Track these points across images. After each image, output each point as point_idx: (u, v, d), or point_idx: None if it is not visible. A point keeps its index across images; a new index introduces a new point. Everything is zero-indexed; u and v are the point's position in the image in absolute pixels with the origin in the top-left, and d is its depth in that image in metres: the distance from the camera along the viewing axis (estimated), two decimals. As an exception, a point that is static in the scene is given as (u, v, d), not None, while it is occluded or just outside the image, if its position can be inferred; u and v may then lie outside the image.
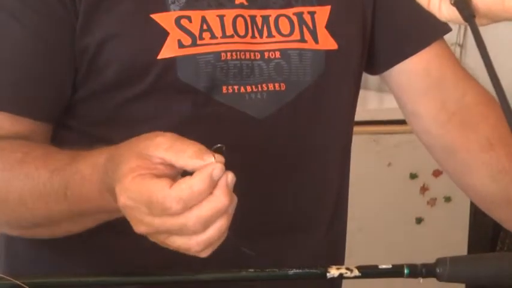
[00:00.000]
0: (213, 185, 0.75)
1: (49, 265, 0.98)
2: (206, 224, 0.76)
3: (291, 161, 1.01)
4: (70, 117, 1.01)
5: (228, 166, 0.96)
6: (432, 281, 0.89)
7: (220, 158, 0.76)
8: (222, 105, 0.97)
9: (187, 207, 0.75)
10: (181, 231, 0.76)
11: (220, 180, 0.76)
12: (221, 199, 0.75)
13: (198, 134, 0.96)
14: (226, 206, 0.76)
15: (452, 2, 0.76)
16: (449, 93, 1.10)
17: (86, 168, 0.86)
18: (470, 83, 1.11)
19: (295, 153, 1.01)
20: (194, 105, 0.97)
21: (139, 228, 0.78)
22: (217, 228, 0.76)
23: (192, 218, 0.75)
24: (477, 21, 0.75)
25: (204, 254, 0.78)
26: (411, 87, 1.10)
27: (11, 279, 0.81)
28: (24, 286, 0.82)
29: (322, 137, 1.03)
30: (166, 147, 0.78)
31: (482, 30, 0.77)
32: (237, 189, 0.96)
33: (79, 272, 0.91)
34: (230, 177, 0.77)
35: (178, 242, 0.77)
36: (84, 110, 1.00)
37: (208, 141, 0.96)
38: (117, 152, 0.82)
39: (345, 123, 1.08)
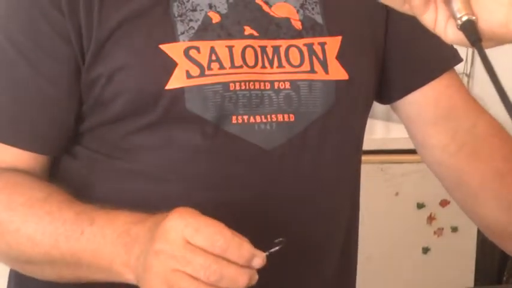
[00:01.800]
0: (248, 264, 0.81)
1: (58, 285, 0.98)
2: (219, 280, 0.79)
3: (300, 192, 1.01)
4: (75, 146, 1.01)
5: (236, 197, 0.97)
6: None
7: (265, 260, 0.82)
8: (231, 136, 0.97)
9: (224, 254, 0.79)
10: (197, 270, 0.79)
11: (252, 269, 0.81)
12: (243, 279, 0.80)
13: (207, 164, 0.97)
14: (240, 285, 0.80)
15: (458, 26, 0.76)
16: (459, 123, 1.09)
17: (120, 215, 0.89)
18: (481, 113, 1.11)
19: (304, 184, 1.01)
20: (203, 136, 0.97)
21: (162, 247, 0.80)
22: None
23: (219, 264, 0.79)
24: (483, 44, 0.76)
25: None
26: (421, 117, 1.10)
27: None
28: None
29: (331, 168, 1.03)
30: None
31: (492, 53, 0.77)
32: (246, 220, 0.96)
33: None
34: (256, 278, 0.81)
35: (183, 281, 0.79)
36: (90, 140, 1.00)
37: (216, 171, 0.97)
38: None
39: (353, 153, 1.08)
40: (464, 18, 0.75)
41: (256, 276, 0.81)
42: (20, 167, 0.98)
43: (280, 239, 0.83)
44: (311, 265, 1.04)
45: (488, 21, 0.76)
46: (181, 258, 0.79)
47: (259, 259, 0.81)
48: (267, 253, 0.82)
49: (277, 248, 0.82)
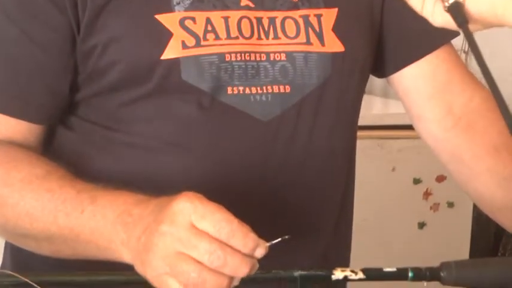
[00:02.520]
0: (251, 253, 0.81)
1: (54, 259, 0.98)
2: (222, 267, 0.79)
3: (294, 163, 1.01)
4: (71, 117, 1.01)
5: (231, 167, 0.97)
6: (433, 284, 0.89)
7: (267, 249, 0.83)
8: (226, 106, 0.97)
9: (229, 241, 0.80)
10: (201, 254, 0.79)
11: (254, 258, 0.82)
12: (245, 267, 0.80)
13: (203, 134, 0.97)
14: (239, 276, 0.80)
15: (445, 9, 0.75)
16: (456, 97, 1.09)
17: (121, 195, 0.89)
18: (477, 87, 1.11)
19: (299, 155, 1.01)
20: (199, 106, 0.97)
21: (167, 229, 0.80)
22: (219, 282, 0.80)
23: (223, 250, 0.79)
24: (470, 27, 0.75)
25: None
26: (418, 91, 1.10)
27: (19, 276, 0.81)
28: (32, 283, 0.82)
29: (326, 140, 1.03)
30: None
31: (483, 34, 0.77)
32: (241, 190, 0.97)
33: (85, 266, 0.91)
34: (257, 266, 0.82)
35: (185, 263, 0.79)
36: (85, 110, 1.00)
37: (213, 142, 0.97)
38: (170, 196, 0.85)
39: (349, 126, 1.08)
40: (452, 0, 0.75)
41: (257, 266, 0.82)
42: (15, 138, 0.98)
43: (286, 236, 0.83)
44: (305, 236, 1.04)
45: (476, 3, 0.75)
46: (187, 242, 0.79)
47: (262, 249, 0.81)
48: (269, 244, 0.82)
49: (279, 239, 0.83)
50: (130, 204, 0.87)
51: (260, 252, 0.81)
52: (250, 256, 0.81)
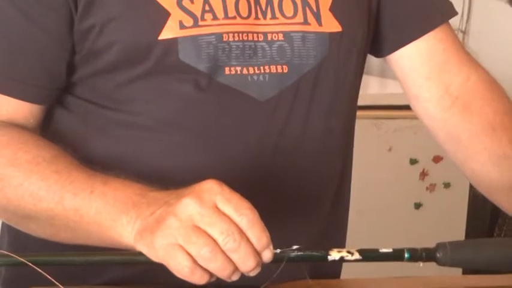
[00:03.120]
0: (261, 251, 0.81)
1: (52, 243, 0.98)
2: (234, 251, 0.80)
3: (292, 143, 1.01)
4: (69, 97, 1.01)
5: (228, 147, 0.97)
6: (429, 265, 0.89)
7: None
8: (224, 87, 0.97)
9: (246, 231, 0.80)
10: (218, 233, 0.79)
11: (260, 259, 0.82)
12: (252, 262, 0.81)
13: (200, 115, 0.97)
14: (244, 269, 0.81)
15: None
16: (452, 77, 1.09)
17: (136, 183, 0.88)
18: (474, 67, 1.11)
19: (297, 135, 1.01)
20: (196, 87, 0.97)
21: (188, 204, 0.81)
22: (225, 267, 0.80)
23: (240, 236, 0.80)
24: None
25: (191, 272, 0.80)
26: (415, 70, 1.10)
27: (15, 256, 0.81)
28: (29, 264, 0.82)
29: (323, 120, 1.03)
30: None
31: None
32: (238, 170, 0.97)
33: (82, 246, 0.91)
34: (258, 270, 0.82)
35: (201, 237, 0.79)
36: (83, 90, 1.00)
37: (210, 122, 0.97)
38: None
39: (347, 106, 1.08)
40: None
41: (260, 269, 0.82)
42: (16, 119, 0.98)
43: (295, 247, 0.84)
44: (302, 216, 1.04)
45: None
46: (208, 218, 0.80)
47: (269, 253, 0.82)
48: (277, 251, 0.83)
49: (287, 249, 0.84)
50: (145, 190, 0.87)
51: (268, 256, 0.82)
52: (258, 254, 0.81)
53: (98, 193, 0.88)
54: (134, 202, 0.86)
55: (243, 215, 0.80)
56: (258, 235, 0.81)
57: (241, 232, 0.80)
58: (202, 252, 0.79)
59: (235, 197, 0.82)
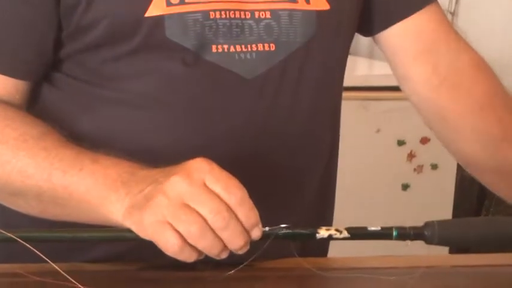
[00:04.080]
0: (250, 229, 0.82)
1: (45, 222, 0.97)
2: (223, 230, 0.80)
3: (279, 122, 1.01)
4: (56, 73, 1.00)
5: (215, 125, 0.97)
6: (416, 245, 0.90)
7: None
8: (211, 65, 0.97)
9: (235, 210, 0.80)
10: (206, 211, 0.80)
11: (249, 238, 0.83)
12: (240, 240, 0.81)
13: (188, 93, 0.97)
14: (232, 247, 0.82)
15: None
16: (441, 57, 1.09)
17: (126, 161, 0.88)
18: (464, 47, 1.10)
19: (284, 114, 1.01)
20: (183, 64, 0.96)
21: (178, 182, 0.81)
22: (213, 245, 0.81)
23: (229, 214, 0.80)
24: None
25: (176, 248, 0.81)
26: (403, 50, 1.09)
27: (4, 232, 0.80)
28: (18, 240, 0.82)
29: (311, 99, 1.03)
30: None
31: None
32: (225, 148, 0.97)
33: (70, 224, 0.91)
34: (247, 248, 0.83)
35: (189, 215, 0.80)
36: (70, 66, 0.99)
37: (197, 99, 0.97)
38: None
39: (335, 85, 1.08)
40: None
41: (248, 247, 0.82)
42: (2, 95, 0.97)
43: (283, 225, 0.85)
44: (289, 195, 1.04)
45: None
46: (197, 196, 0.80)
47: (258, 231, 0.82)
48: (266, 229, 0.83)
49: (277, 227, 0.84)
50: (135, 168, 0.87)
51: (256, 234, 0.82)
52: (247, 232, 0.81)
53: (87, 171, 0.88)
54: (123, 180, 0.86)
55: (232, 193, 0.81)
56: (247, 213, 0.81)
57: (230, 210, 0.80)
58: (191, 230, 0.80)
59: (225, 176, 0.82)
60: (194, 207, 0.80)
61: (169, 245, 0.81)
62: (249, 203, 0.81)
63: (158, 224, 0.81)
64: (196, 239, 0.80)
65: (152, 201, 0.82)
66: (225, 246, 0.82)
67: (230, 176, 0.82)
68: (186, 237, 0.80)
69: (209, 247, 0.81)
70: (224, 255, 0.83)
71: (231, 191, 0.81)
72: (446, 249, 1.81)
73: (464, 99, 1.09)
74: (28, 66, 0.98)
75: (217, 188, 0.81)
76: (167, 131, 0.97)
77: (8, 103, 0.97)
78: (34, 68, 0.99)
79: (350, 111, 2.18)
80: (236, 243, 0.81)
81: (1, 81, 0.97)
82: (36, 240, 0.84)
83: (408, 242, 0.87)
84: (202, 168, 0.82)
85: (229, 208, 0.80)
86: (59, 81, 1.01)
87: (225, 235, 0.80)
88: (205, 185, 0.81)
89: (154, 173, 0.85)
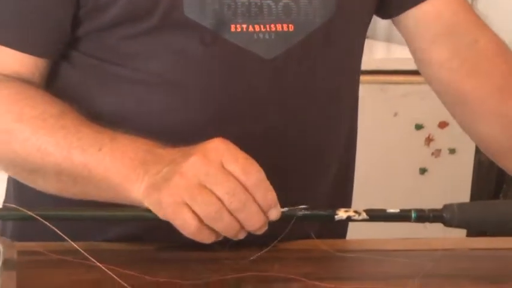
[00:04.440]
0: (267, 210, 0.82)
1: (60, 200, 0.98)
2: (240, 211, 0.80)
3: (298, 103, 1.01)
4: (74, 52, 1.01)
5: (234, 105, 0.97)
6: (432, 228, 0.89)
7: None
8: (229, 44, 0.97)
9: (252, 190, 0.80)
10: (223, 192, 0.80)
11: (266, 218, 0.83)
12: (257, 220, 0.81)
13: (206, 72, 0.97)
14: (249, 227, 0.82)
15: None
16: (461, 39, 1.08)
17: (144, 139, 0.88)
18: (483, 30, 1.10)
19: (303, 94, 1.01)
20: (202, 43, 0.96)
21: (195, 163, 0.81)
22: (229, 226, 0.81)
23: (246, 196, 0.80)
24: None
25: (193, 229, 0.81)
26: (423, 32, 1.09)
27: (24, 210, 0.81)
28: (38, 218, 0.82)
29: (330, 79, 1.03)
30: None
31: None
32: (243, 129, 0.97)
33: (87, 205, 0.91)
34: (265, 228, 0.83)
35: (207, 196, 0.80)
36: (88, 45, 0.99)
37: (215, 79, 0.97)
38: None
39: (353, 67, 1.08)
40: None
41: (266, 227, 0.82)
42: (22, 73, 0.97)
43: (304, 206, 0.85)
44: (309, 176, 1.04)
45: None
46: (213, 177, 0.80)
47: (276, 211, 0.82)
48: (285, 209, 0.83)
49: (295, 208, 0.84)
50: (153, 146, 0.87)
51: (274, 214, 0.82)
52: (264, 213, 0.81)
53: (107, 150, 0.88)
54: (141, 159, 0.86)
55: (249, 174, 0.81)
56: (264, 194, 0.81)
57: (246, 192, 0.80)
58: (208, 211, 0.80)
59: (242, 157, 0.82)
60: (211, 188, 0.80)
61: (187, 226, 0.81)
62: (266, 184, 0.81)
63: (176, 205, 0.81)
64: (213, 220, 0.80)
65: (170, 182, 0.82)
66: (242, 227, 0.82)
67: (247, 156, 0.82)
68: (202, 219, 0.81)
69: (226, 228, 0.81)
70: (242, 236, 0.83)
71: (248, 171, 0.81)
72: (463, 232, 1.80)
73: (484, 82, 1.08)
74: (47, 44, 0.98)
75: (234, 169, 0.81)
76: (184, 111, 0.97)
77: (27, 81, 0.98)
78: (52, 45, 0.99)
79: (368, 94, 2.18)
80: (253, 224, 0.81)
81: (20, 58, 0.97)
82: (55, 219, 0.85)
83: (427, 225, 0.87)
84: (219, 149, 0.82)
85: (246, 189, 0.80)
86: (76, 60, 1.01)
87: (241, 216, 0.81)
88: (222, 165, 0.81)
89: (173, 152, 0.85)
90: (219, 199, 0.80)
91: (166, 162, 0.84)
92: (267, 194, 0.81)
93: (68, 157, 0.90)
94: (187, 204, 0.81)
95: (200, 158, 0.82)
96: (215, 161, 0.81)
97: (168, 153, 0.86)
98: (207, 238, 0.82)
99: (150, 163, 0.85)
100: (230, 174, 0.81)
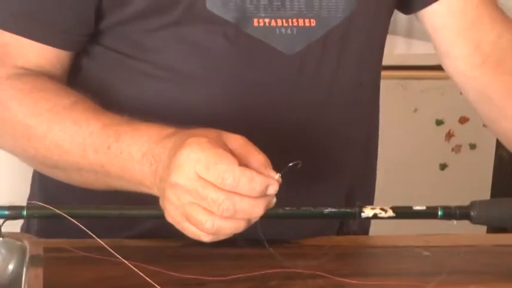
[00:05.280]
0: (262, 194, 0.79)
1: (85, 194, 0.98)
2: (233, 215, 0.79)
3: (320, 98, 1.00)
4: (96, 46, 1.01)
5: (255, 101, 0.97)
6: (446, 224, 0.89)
7: (280, 180, 0.80)
8: (252, 38, 0.96)
9: (235, 190, 0.78)
10: (210, 205, 0.78)
11: (268, 196, 0.80)
12: (259, 209, 0.79)
13: (227, 67, 0.97)
14: (256, 217, 0.80)
15: None
16: (484, 34, 1.08)
17: (144, 131, 0.88)
18: (507, 25, 1.09)
19: (325, 90, 1.01)
20: (224, 38, 0.96)
21: (176, 179, 0.80)
22: (235, 226, 0.80)
23: (231, 200, 0.78)
24: None
25: (207, 239, 0.81)
26: (446, 27, 1.08)
27: (52, 208, 0.81)
28: (65, 216, 0.82)
29: (352, 75, 1.02)
30: (240, 143, 0.81)
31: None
32: (264, 124, 0.96)
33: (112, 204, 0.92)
34: (274, 201, 0.81)
35: (198, 214, 0.79)
36: (110, 39, 0.99)
37: (237, 74, 0.97)
38: (188, 129, 0.84)
39: (374, 63, 1.07)
40: None
41: (274, 200, 0.81)
42: (43, 65, 0.98)
43: (296, 162, 0.82)
44: (330, 173, 1.04)
45: None
46: (195, 193, 0.79)
47: (273, 186, 0.80)
48: (279, 174, 0.81)
49: (290, 164, 0.81)
50: (153, 143, 0.86)
51: (273, 189, 0.80)
52: (262, 196, 0.80)
53: (115, 150, 0.88)
54: (148, 163, 0.86)
55: (224, 179, 0.78)
56: (248, 188, 0.79)
57: (231, 196, 0.78)
58: (207, 228, 0.79)
59: (212, 162, 0.79)
60: (199, 204, 0.79)
61: (197, 237, 0.81)
62: (245, 177, 0.78)
63: (181, 224, 0.82)
64: (215, 233, 0.80)
65: (168, 205, 0.82)
66: (248, 220, 0.80)
67: (217, 158, 0.79)
68: (207, 233, 0.80)
69: (232, 231, 0.80)
70: (256, 218, 0.81)
71: (223, 176, 0.78)
72: (483, 228, 1.80)
73: (508, 78, 1.07)
74: (69, 36, 0.98)
75: (210, 177, 0.79)
76: (205, 105, 0.97)
77: (48, 74, 0.98)
78: (75, 37, 0.99)
79: (388, 90, 2.17)
80: (255, 214, 0.80)
81: (42, 50, 0.97)
82: (83, 217, 0.85)
83: (454, 221, 0.87)
84: (189, 161, 0.80)
85: (229, 193, 0.78)
86: (98, 54, 1.01)
87: (240, 216, 0.79)
88: (199, 177, 0.79)
89: (165, 156, 0.84)
90: (211, 212, 0.79)
91: (162, 169, 0.84)
92: (250, 184, 0.78)
93: (84, 156, 0.90)
94: (187, 219, 0.81)
95: (177, 177, 0.80)
96: (190, 175, 0.79)
97: (163, 154, 0.84)
98: (219, 239, 0.82)
99: (154, 167, 0.85)
100: (208, 184, 0.79)
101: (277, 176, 0.80)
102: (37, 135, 0.93)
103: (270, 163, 0.81)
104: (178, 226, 0.82)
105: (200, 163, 0.79)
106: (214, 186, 0.78)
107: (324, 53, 0.99)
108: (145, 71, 0.98)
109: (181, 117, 0.97)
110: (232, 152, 0.80)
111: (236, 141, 0.82)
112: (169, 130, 0.86)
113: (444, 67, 1.13)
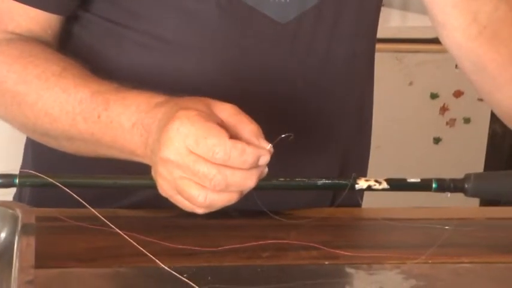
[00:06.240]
0: (254, 165, 0.78)
1: (79, 163, 0.98)
2: (225, 188, 0.78)
3: (314, 67, 1.00)
4: (86, 14, 1.00)
5: (248, 69, 0.96)
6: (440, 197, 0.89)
7: (271, 150, 0.79)
8: (245, 6, 0.96)
9: (226, 164, 0.77)
10: (202, 179, 0.78)
11: (260, 167, 0.79)
12: (251, 181, 0.79)
13: (221, 36, 0.96)
14: (248, 189, 0.79)
15: None
16: (481, 5, 1.07)
17: (133, 100, 0.86)
18: (504, -4, 1.09)
19: (319, 59, 1.00)
20: (218, 6, 0.95)
21: (167, 155, 0.79)
22: (228, 198, 0.79)
23: (222, 174, 0.77)
24: None
25: (200, 211, 0.80)
26: None
27: (44, 176, 0.81)
28: (58, 184, 0.82)
29: (347, 43, 1.02)
30: (231, 113, 0.80)
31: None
32: (257, 93, 0.96)
33: (105, 172, 0.91)
34: (266, 171, 0.80)
35: (190, 189, 0.78)
36: (101, 6, 0.98)
37: (230, 42, 0.96)
38: (178, 99, 0.83)
39: (370, 30, 1.07)
40: None
41: (266, 170, 0.80)
42: (34, 30, 0.97)
43: (288, 134, 0.81)
44: (324, 144, 1.04)
45: None
46: (186, 168, 0.78)
47: (265, 157, 0.79)
48: (271, 145, 0.80)
49: (283, 136, 0.80)
50: (142, 112, 0.85)
51: (264, 159, 0.79)
52: (255, 167, 0.79)
53: (105, 119, 0.88)
54: (138, 133, 0.85)
55: (214, 153, 0.77)
56: (239, 161, 0.78)
57: (222, 169, 0.78)
58: (199, 202, 0.79)
59: (201, 136, 0.78)
60: (191, 178, 0.79)
61: (191, 210, 0.81)
62: (235, 150, 0.77)
63: (173, 198, 0.81)
64: (209, 206, 0.80)
65: (159, 180, 0.81)
66: (240, 192, 0.80)
67: (207, 132, 0.78)
68: (199, 206, 0.80)
69: (225, 203, 0.80)
70: (248, 190, 0.81)
71: (213, 150, 0.77)
72: (476, 201, 1.80)
73: (504, 49, 1.07)
74: (60, 0, 0.97)
75: (201, 151, 0.78)
76: (198, 73, 0.97)
77: (39, 39, 0.97)
78: (66, 1, 0.98)
79: (383, 63, 2.17)
80: (248, 185, 0.79)
81: (33, 14, 0.96)
82: (76, 186, 0.84)
83: (448, 194, 0.86)
84: (178, 135, 0.79)
85: (220, 166, 0.78)
86: (89, 23, 1.00)
87: (231, 189, 0.79)
88: (189, 151, 0.78)
89: (155, 127, 0.83)
90: (203, 186, 0.79)
91: (152, 140, 0.83)
92: (241, 157, 0.78)
93: (73, 124, 0.90)
94: (179, 193, 0.80)
95: (168, 152, 0.79)
96: (180, 149, 0.78)
97: (153, 124, 0.83)
98: (218, 208, 0.81)
99: (144, 138, 0.84)
100: (199, 158, 0.78)
101: (268, 146, 0.79)
102: (27, 103, 0.92)
103: (261, 133, 0.80)
104: (171, 199, 0.82)
105: (190, 137, 0.78)
106: (205, 160, 0.78)
107: (318, 22, 0.99)
108: (136, 39, 0.97)
109: (173, 85, 0.96)
110: (223, 122, 0.80)
111: (227, 110, 0.81)
112: (159, 99, 0.85)
113: (440, 38, 1.12)
